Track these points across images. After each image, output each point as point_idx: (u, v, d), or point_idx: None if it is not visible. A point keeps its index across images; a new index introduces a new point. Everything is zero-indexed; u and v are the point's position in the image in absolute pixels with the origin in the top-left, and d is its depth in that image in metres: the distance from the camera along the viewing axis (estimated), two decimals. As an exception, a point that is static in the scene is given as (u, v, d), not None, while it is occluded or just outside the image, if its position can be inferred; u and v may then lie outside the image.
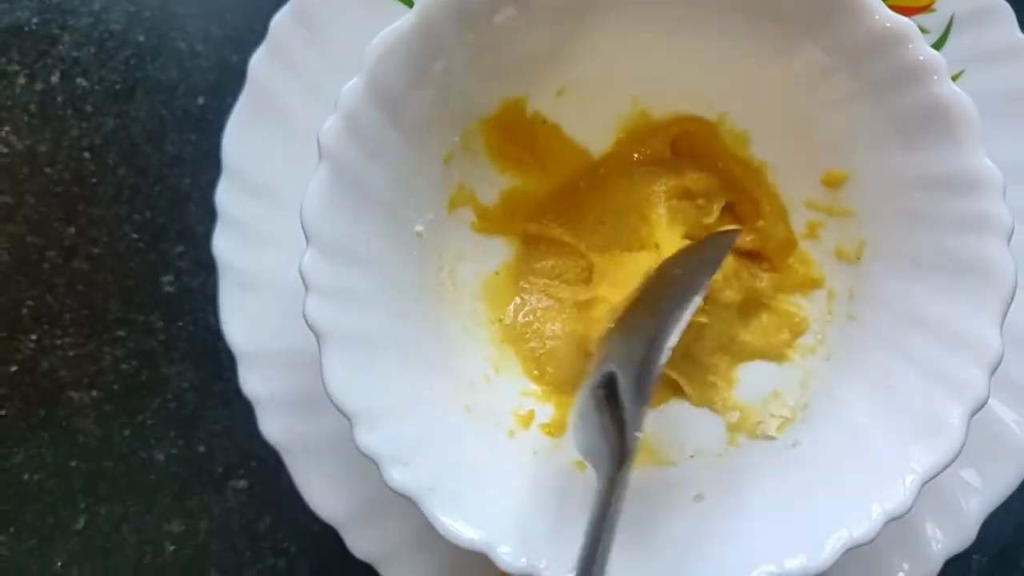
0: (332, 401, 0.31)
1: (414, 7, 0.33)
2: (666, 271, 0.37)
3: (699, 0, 0.35)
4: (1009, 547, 0.42)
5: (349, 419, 0.31)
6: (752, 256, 0.41)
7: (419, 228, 0.37)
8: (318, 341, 0.31)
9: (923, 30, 0.40)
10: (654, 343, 0.32)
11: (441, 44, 0.34)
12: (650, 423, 0.39)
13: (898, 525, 0.36)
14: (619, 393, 0.32)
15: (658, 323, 0.33)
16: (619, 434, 0.32)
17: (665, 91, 0.39)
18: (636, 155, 0.41)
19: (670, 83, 0.39)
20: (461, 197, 0.39)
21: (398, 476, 0.31)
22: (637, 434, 0.31)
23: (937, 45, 0.40)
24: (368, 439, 0.31)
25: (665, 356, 0.32)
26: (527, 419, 0.37)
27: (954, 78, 0.39)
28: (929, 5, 0.40)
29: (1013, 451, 0.37)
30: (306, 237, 0.32)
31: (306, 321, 0.31)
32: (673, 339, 0.32)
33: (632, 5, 0.36)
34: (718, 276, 0.38)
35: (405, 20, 0.33)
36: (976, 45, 0.39)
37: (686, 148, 0.41)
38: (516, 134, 0.39)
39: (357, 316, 0.33)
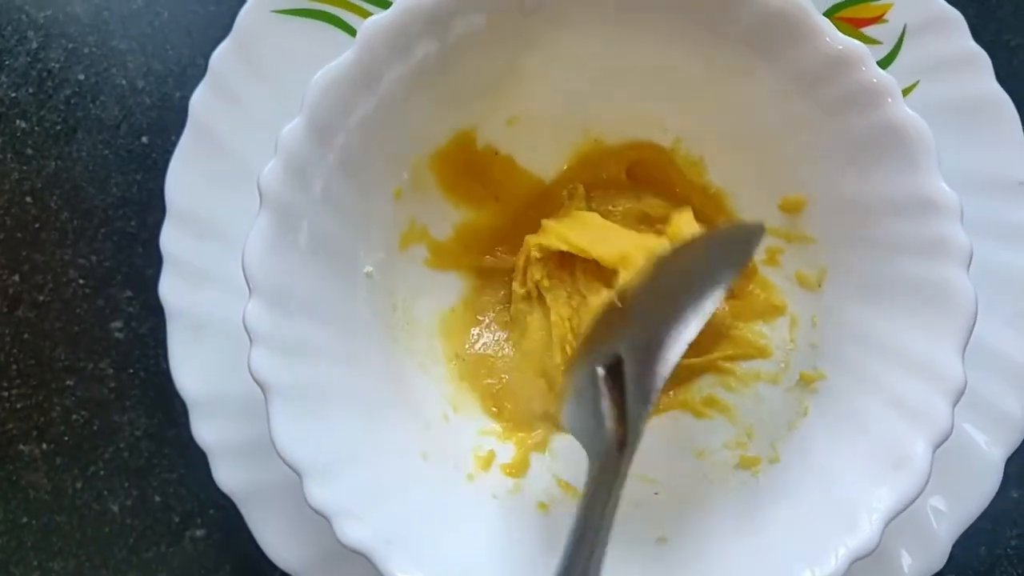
0: (280, 457, 0.30)
1: (355, 41, 0.32)
2: (682, 258, 0.34)
3: (648, 25, 0.34)
4: (983, 566, 0.41)
5: (299, 474, 0.30)
6: None
7: (368, 269, 0.36)
8: (264, 395, 0.30)
9: (876, 41, 0.40)
10: (669, 332, 0.30)
11: (385, 79, 0.33)
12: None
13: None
14: (624, 375, 0.31)
15: (675, 312, 0.31)
16: (619, 418, 0.30)
17: (617, 118, 0.38)
18: (590, 181, 0.40)
19: (621, 110, 0.38)
20: (413, 234, 0.38)
21: (351, 532, 0.30)
22: (642, 422, 0.30)
23: (890, 56, 0.40)
24: (319, 494, 0.30)
25: (680, 348, 0.30)
26: (487, 460, 0.37)
27: (908, 89, 0.39)
28: (881, 16, 0.40)
29: (984, 472, 0.36)
30: (248, 287, 0.31)
31: (251, 374, 0.30)
32: (691, 331, 0.30)
33: (578, 30, 0.35)
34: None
35: (345, 56, 0.32)
36: (929, 55, 0.39)
37: (642, 174, 0.40)
38: (468, 167, 0.38)
39: (305, 366, 0.32)
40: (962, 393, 0.30)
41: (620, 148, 0.39)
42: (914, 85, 0.39)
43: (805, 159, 0.35)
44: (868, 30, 0.40)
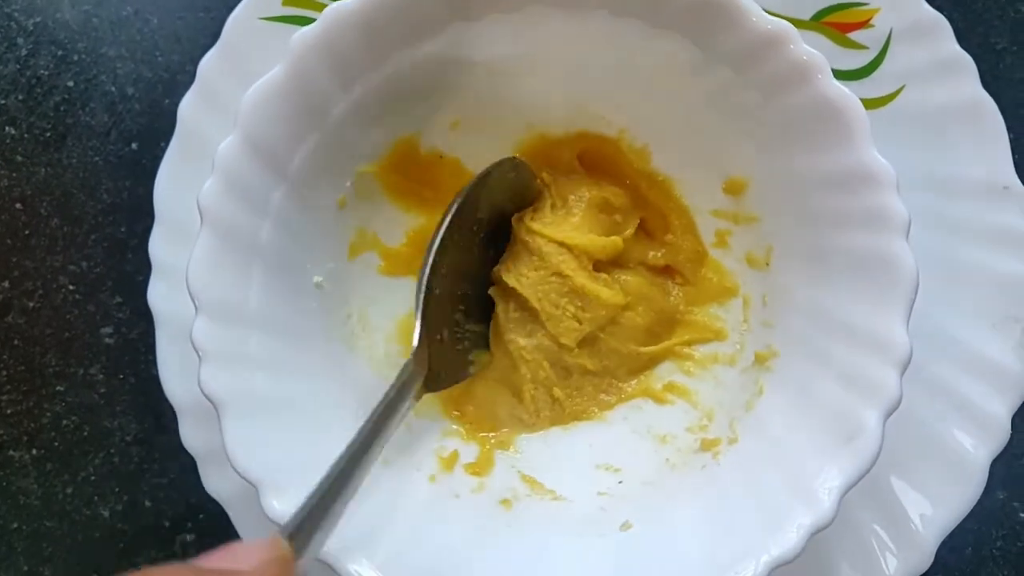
0: (236, 471, 0.30)
1: (286, 54, 0.32)
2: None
3: (584, 20, 0.34)
4: (969, 566, 0.41)
5: (256, 487, 0.30)
6: (664, 271, 0.40)
7: (318, 279, 0.36)
8: (216, 410, 0.30)
9: (862, 46, 0.40)
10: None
11: (318, 91, 0.33)
12: (576, 448, 0.38)
13: (855, 548, 0.36)
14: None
15: None
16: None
17: (560, 114, 0.39)
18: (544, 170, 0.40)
19: (563, 105, 0.38)
20: (364, 242, 0.38)
21: None
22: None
23: (876, 61, 0.40)
24: (277, 506, 0.30)
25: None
26: (450, 461, 0.37)
27: (894, 93, 0.39)
28: (868, 21, 0.40)
29: (969, 473, 0.36)
30: (194, 305, 0.31)
31: (202, 391, 0.30)
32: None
33: (514, 30, 0.35)
34: (618, 299, 0.38)
35: (278, 69, 0.32)
36: (915, 60, 0.39)
37: (592, 163, 0.40)
38: (413, 172, 0.38)
39: (257, 380, 0.32)
40: (908, 362, 0.30)
41: (567, 138, 0.39)
42: (900, 89, 0.39)
43: (744, 140, 0.35)
44: (855, 35, 0.40)
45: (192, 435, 0.38)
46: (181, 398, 0.38)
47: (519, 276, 0.39)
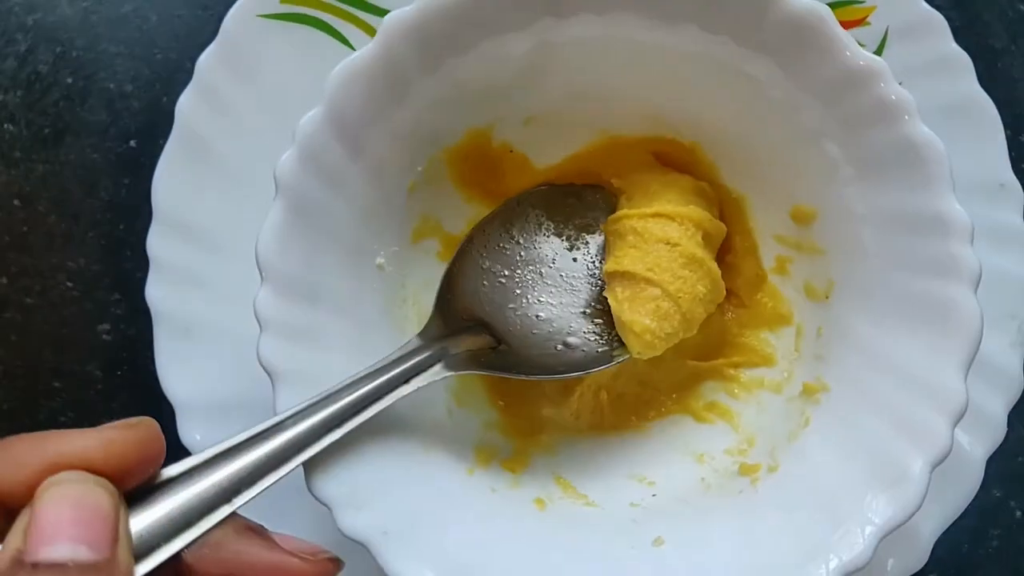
0: None
1: (377, 35, 0.32)
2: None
3: (671, 31, 0.34)
4: (965, 563, 0.41)
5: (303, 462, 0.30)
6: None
7: (380, 260, 0.36)
8: (272, 381, 0.31)
9: (859, 44, 0.40)
10: None
11: (404, 74, 0.33)
12: (612, 456, 0.38)
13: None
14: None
15: None
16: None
17: (633, 120, 0.38)
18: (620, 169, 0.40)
19: (639, 115, 0.38)
20: (426, 227, 0.38)
21: (351, 521, 0.30)
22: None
23: (873, 59, 0.40)
24: (321, 483, 0.30)
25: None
26: (489, 455, 0.37)
27: None
28: (864, 18, 0.40)
29: (965, 471, 0.37)
30: (260, 274, 0.31)
31: (259, 360, 0.31)
32: None
33: (602, 33, 0.35)
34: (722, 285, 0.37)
35: (367, 50, 0.32)
36: (912, 58, 0.39)
37: (668, 161, 0.39)
38: (482, 163, 0.38)
39: (312, 354, 0.32)
40: (963, 413, 0.30)
41: (641, 140, 0.39)
42: (897, 87, 0.39)
43: (818, 170, 0.35)
44: (851, 33, 0.40)
45: (190, 432, 0.38)
46: (179, 395, 0.38)
47: (618, 259, 0.37)
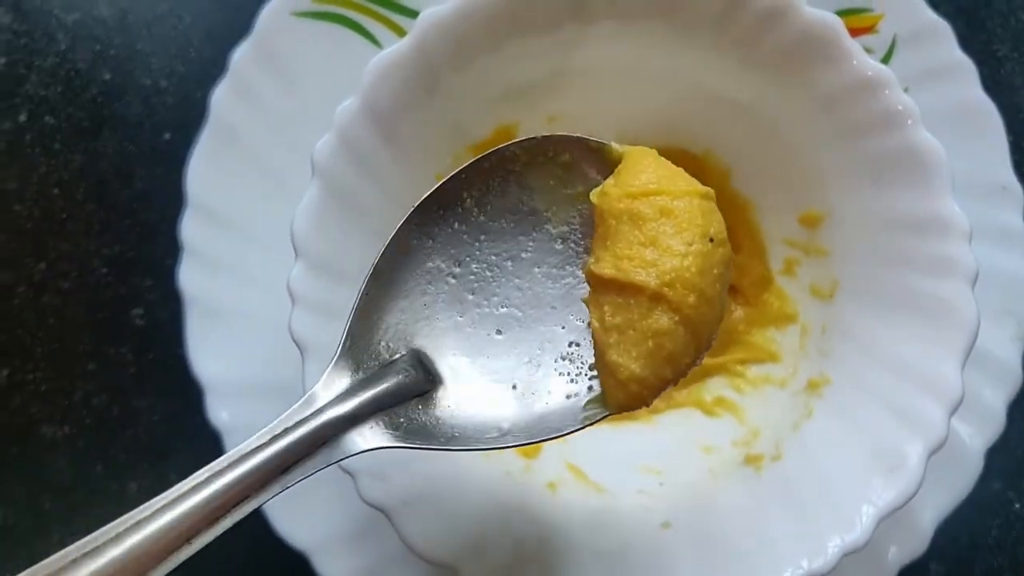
0: None
1: (412, 31, 0.33)
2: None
3: (687, 39, 0.36)
4: (965, 554, 0.42)
5: None
6: (728, 289, 0.41)
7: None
8: (301, 354, 0.32)
9: (867, 50, 0.41)
10: None
11: (435, 69, 0.34)
12: (622, 445, 0.39)
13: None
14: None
15: None
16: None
17: (650, 125, 0.40)
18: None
19: (654, 116, 0.39)
20: None
21: (373, 491, 0.32)
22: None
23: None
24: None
25: None
26: None
27: None
28: (873, 26, 0.42)
29: (965, 462, 0.38)
30: (295, 252, 0.33)
31: (291, 334, 0.32)
32: None
33: (625, 40, 0.36)
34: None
35: (401, 44, 0.33)
36: (918, 64, 0.41)
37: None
38: None
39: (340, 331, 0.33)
40: (959, 403, 0.31)
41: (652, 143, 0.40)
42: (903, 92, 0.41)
43: (827, 175, 0.36)
44: (860, 40, 0.41)
45: (218, 411, 0.39)
46: (208, 375, 0.39)
47: (613, 255, 0.29)
